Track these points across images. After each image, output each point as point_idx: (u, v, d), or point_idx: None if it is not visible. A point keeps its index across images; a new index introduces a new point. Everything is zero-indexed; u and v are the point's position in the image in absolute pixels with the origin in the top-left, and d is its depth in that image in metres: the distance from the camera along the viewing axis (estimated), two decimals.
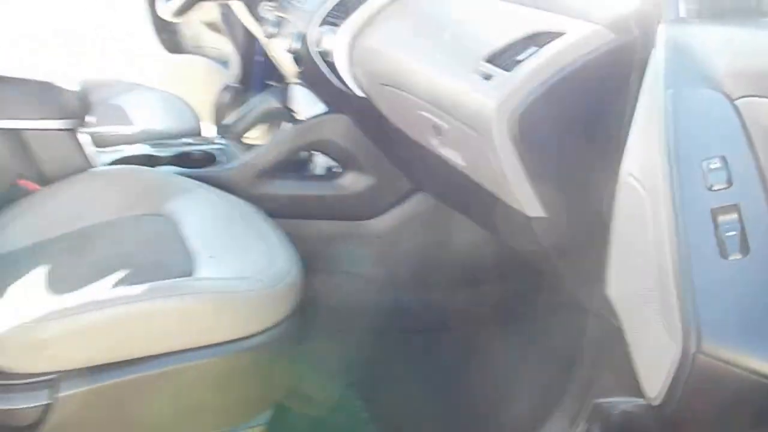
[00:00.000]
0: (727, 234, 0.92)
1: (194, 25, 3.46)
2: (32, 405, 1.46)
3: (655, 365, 1.01)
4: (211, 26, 3.30)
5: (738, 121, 1.01)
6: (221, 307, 1.53)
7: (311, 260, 2.18)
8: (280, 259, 1.67)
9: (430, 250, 2.25)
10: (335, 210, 2.23)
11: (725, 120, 1.03)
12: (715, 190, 0.97)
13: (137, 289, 1.50)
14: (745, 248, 0.90)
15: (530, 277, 1.85)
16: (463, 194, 1.87)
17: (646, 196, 1.07)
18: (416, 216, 2.23)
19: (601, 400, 1.35)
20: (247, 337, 1.55)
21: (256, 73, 2.93)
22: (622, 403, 1.20)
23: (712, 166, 0.98)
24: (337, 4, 1.97)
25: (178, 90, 2.78)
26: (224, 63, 3.20)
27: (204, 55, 3.39)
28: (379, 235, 2.24)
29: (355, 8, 1.87)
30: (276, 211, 2.06)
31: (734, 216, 0.93)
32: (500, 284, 2.19)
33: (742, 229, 0.92)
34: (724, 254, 0.91)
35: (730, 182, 0.96)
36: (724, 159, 0.98)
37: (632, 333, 1.15)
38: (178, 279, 1.55)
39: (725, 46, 1.15)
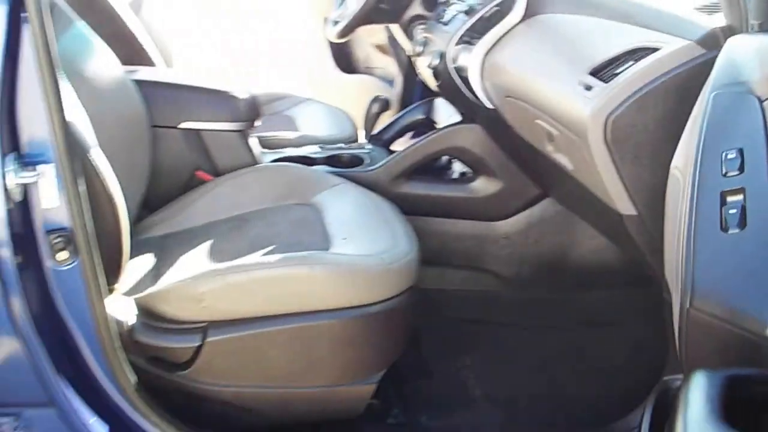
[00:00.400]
0: (729, 211, 1.08)
1: (365, 48, 3.72)
2: (186, 345, 1.74)
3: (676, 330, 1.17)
4: (380, 48, 3.54)
5: (761, 119, 1.16)
6: (344, 278, 1.76)
7: (442, 255, 2.39)
8: (401, 243, 1.88)
9: (554, 252, 2.38)
10: (466, 211, 2.40)
11: (750, 118, 1.17)
12: (728, 176, 1.12)
13: (276, 257, 1.77)
14: (743, 224, 1.06)
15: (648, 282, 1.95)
16: (573, 196, 2.02)
17: (682, 185, 1.23)
18: (543, 220, 2.37)
19: (667, 377, 1.46)
20: (364, 305, 1.76)
21: (417, 90, 3.15)
22: (679, 379, 1.31)
23: (729, 156, 1.13)
24: (472, 25, 2.15)
25: (346, 105, 3.06)
26: (390, 82, 3.45)
27: (372, 75, 3.65)
28: (507, 236, 2.39)
29: (487, 29, 2.06)
30: (411, 208, 2.27)
31: (740, 197, 1.09)
32: (620, 289, 2.30)
33: (743, 207, 1.07)
34: (724, 228, 1.07)
35: (742, 170, 1.11)
36: (740, 150, 1.13)
37: (672, 307, 1.29)
38: (311, 252, 1.80)
39: (764, 54, 1.28)
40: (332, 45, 3.72)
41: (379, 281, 1.79)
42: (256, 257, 1.81)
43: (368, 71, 3.73)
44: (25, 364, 1.50)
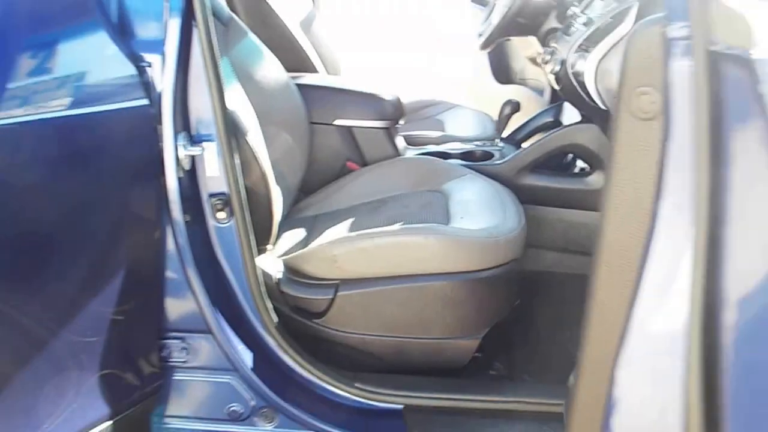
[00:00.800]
0: None
1: (521, 60, 3.97)
2: (322, 298, 2.06)
3: None
4: (533, 60, 3.75)
5: None
6: (455, 246, 2.00)
7: (560, 241, 2.62)
8: (510, 221, 2.12)
9: None
10: (583, 202, 2.61)
11: None
12: None
13: (397, 227, 2.07)
14: None
15: None
16: None
17: None
18: None
19: None
20: (472, 271, 2.01)
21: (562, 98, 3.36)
22: None
23: None
24: (589, 35, 2.38)
25: (497, 113, 3.32)
26: (541, 91, 3.67)
27: (526, 86, 3.88)
28: None
29: (602, 39, 2.28)
30: (533, 198, 2.51)
31: None
32: None
33: None
34: None
35: None
36: None
37: None
38: (428, 224, 2.08)
39: None
40: (491, 59, 3.99)
41: (486, 251, 2.02)
42: (382, 228, 2.09)
43: (522, 82, 3.96)
44: (191, 300, 1.85)
